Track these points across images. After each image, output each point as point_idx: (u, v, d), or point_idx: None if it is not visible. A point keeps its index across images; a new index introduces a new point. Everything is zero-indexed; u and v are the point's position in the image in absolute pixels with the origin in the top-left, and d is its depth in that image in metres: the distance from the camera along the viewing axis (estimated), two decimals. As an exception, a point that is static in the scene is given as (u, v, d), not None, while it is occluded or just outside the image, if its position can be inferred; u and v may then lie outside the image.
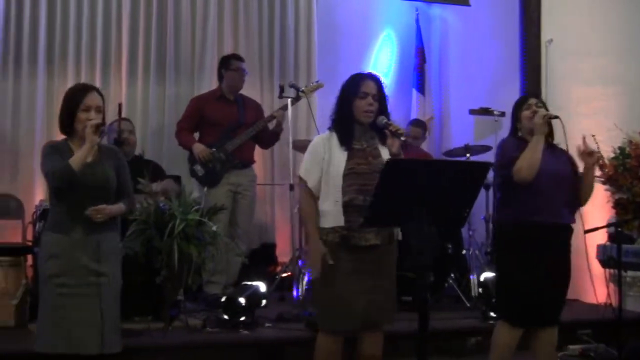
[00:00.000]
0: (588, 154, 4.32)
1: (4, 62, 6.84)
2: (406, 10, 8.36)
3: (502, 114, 6.71)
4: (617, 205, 6.53)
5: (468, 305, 6.21)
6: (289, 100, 6.28)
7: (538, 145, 4.23)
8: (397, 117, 7.88)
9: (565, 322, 4.61)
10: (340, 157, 4.01)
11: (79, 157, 3.79)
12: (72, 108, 3.88)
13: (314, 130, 6.59)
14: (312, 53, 7.82)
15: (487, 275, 6.09)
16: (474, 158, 6.84)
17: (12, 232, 6.37)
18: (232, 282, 6.27)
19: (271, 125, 6.45)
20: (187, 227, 5.03)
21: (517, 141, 4.41)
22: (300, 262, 6.25)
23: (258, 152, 6.75)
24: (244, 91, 6.63)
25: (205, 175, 6.23)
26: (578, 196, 4.40)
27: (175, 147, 6.62)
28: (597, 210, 6.38)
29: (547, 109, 4.41)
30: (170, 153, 7.01)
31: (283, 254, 7.30)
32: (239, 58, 6.57)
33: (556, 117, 4.33)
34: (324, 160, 4.04)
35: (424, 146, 7.58)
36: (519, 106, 4.49)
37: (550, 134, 4.41)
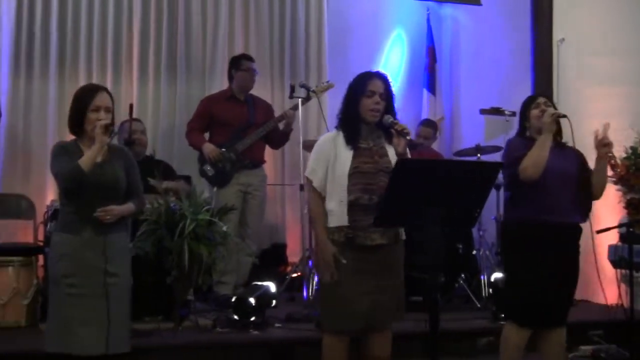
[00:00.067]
0: (604, 145, 4.28)
1: (15, 63, 6.87)
2: (417, 10, 8.34)
3: (513, 114, 6.68)
4: (629, 205, 6.50)
5: (478, 305, 6.20)
6: (300, 100, 6.29)
7: (545, 143, 4.22)
8: (408, 117, 7.96)
9: (576, 323, 4.60)
10: (346, 156, 4.00)
11: (89, 157, 3.80)
12: (82, 108, 3.88)
13: (324, 131, 6.57)
14: (322, 53, 7.82)
15: (498, 275, 6.07)
16: (484, 158, 6.82)
17: (23, 232, 6.41)
18: (242, 282, 6.27)
19: (281, 126, 6.45)
20: (197, 227, 5.04)
21: (524, 140, 4.39)
22: (310, 263, 6.24)
23: (268, 152, 6.75)
24: (255, 91, 6.63)
25: (215, 175, 6.24)
26: (590, 192, 4.36)
27: (186, 148, 6.62)
28: (609, 211, 6.36)
29: (555, 109, 4.39)
30: (181, 153, 7.02)
31: (293, 254, 7.30)
32: (249, 58, 6.57)
33: (564, 116, 4.31)
34: (330, 160, 4.04)
35: (435, 146, 7.57)
36: (527, 105, 4.47)
37: (558, 133, 4.40)
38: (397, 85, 8.20)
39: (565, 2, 6.89)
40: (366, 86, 4.05)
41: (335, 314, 3.98)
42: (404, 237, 4.11)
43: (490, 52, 7.81)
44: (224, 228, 5.23)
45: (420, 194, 3.48)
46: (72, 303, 3.81)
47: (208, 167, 6.25)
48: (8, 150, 6.80)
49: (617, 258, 5.81)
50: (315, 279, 6.04)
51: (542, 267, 4.23)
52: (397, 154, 4.01)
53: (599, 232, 5.11)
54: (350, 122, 4.07)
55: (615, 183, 6.48)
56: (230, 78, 6.50)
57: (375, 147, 4.06)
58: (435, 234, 3.50)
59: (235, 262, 6.08)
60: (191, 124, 6.47)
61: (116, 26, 7.14)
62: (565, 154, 4.38)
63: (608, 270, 6.05)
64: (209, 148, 6.24)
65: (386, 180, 3.93)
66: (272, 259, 7.21)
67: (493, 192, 6.38)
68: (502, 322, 5.14)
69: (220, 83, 7.12)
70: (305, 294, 6.14)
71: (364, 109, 4.04)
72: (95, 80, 6.83)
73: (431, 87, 8.24)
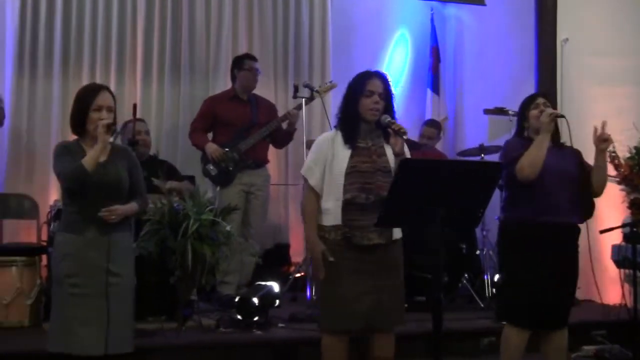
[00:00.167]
0: (603, 140, 4.27)
1: (19, 63, 6.87)
2: (421, 10, 8.34)
3: (517, 114, 6.68)
4: (633, 205, 6.49)
5: (482, 305, 6.19)
6: (303, 100, 6.29)
7: (543, 143, 4.21)
8: (412, 117, 7.96)
9: (579, 323, 4.59)
10: (343, 155, 4.01)
11: (92, 157, 3.80)
12: (84, 108, 3.89)
13: (328, 130, 6.57)
14: (326, 53, 7.82)
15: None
16: (488, 158, 6.81)
17: (26, 232, 6.42)
18: (245, 282, 6.27)
19: (284, 125, 6.45)
20: (201, 227, 5.04)
21: (522, 140, 4.39)
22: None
23: (272, 152, 6.75)
24: (258, 91, 6.63)
25: (218, 175, 6.24)
26: (591, 191, 4.35)
27: (189, 148, 6.62)
28: (612, 211, 6.35)
29: (554, 109, 4.38)
30: (184, 153, 7.02)
31: (297, 254, 7.30)
32: (251, 58, 6.57)
33: (562, 116, 4.32)
34: (327, 159, 4.04)
35: (439, 146, 7.57)
36: (526, 105, 4.47)
37: (556, 133, 4.39)
38: (400, 85, 8.24)
39: (570, 2, 6.87)
40: (365, 86, 4.06)
41: (334, 313, 3.99)
42: (399, 236, 4.10)
43: (494, 52, 7.81)
44: (228, 228, 5.23)
45: (423, 194, 3.47)
46: (74, 303, 3.81)
47: (211, 167, 6.26)
48: (12, 150, 6.81)
49: (621, 258, 5.80)
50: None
51: (540, 267, 4.22)
52: (394, 153, 4.02)
53: (602, 232, 5.11)
54: (349, 122, 4.08)
55: (619, 183, 6.47)
56: (233, 78, 6.50)
57: (374, 146, 4.06)
58: (439, 234, 3.50)
59: (238, 262, 6.08)
60: (194, 124, 6.48)
61: (120, 26, 7.15)
62: (563, 153, 4.38)
63: (611, 270, 6.04)
64: (211, 148, 6.24)
65: (383, 179, 3.95)
66: (275, 259, 7.21)
67: (497, 192, 6.34)
68: (504, 323, 5.13)
69: (224, 83, 7.13)
70: (308, 293, 6.14)
71: (363, 108, 4.04)
72: (99, 80, 6.82)
73: (435, 87, 8.24)
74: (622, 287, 5.35)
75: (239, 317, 5.38)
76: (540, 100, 4.45)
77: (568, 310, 4.39)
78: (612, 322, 5.61)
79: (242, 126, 6.31)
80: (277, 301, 5.74)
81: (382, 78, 4.11)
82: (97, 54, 7.08)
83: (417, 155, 6.40)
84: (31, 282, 5.38)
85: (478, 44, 8.20)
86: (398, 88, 8.13)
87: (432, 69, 8.26)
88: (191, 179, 6.31)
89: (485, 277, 6.40)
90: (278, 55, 7.65)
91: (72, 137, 4.04)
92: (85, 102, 3.90)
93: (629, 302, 5.10)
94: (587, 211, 4.39)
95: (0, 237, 6.28)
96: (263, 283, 5.78)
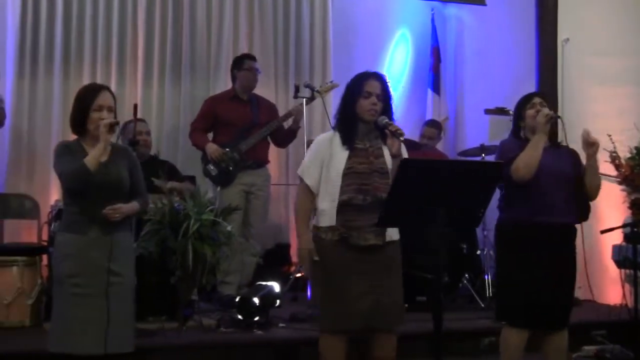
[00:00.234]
0: (589, 144, 4.26)
1: (20, 63, 6.87)
2: (421, 10, 8.34)
3: (518, 114, 6.68)
4: (633, 205, 6.48)
5: (482, 305, 6.19)
6: (304, 100, 6.29)
7: (538, 144, 4.21)
8: (413, 117, 7.96)
9: (580, 323, 4.58)
10: (341, 156, 4.01)
11: (94, 156, 3.81)
12: (84, 108, 3.89)
13: (329, 130, 6.59)
14: (327, 53, 7.82)
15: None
16: (489, 158, 6.80)
17: (27, 232, 6.42)
18: (246, 282, 6.27)
19: (286, 124, 6.45)
20: (201, 227, 5.05)
21: (518, 141, 4.38)
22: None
23: (273, 152, 6.75)
24: (259, 91, 6.64)
25: (218, 175, 6.24)
26: (586, 192, 4.35)
27: (190, 148, 6.62)
28: (613, 211, 6.36)
29: (551, 109, 4.37)
30: (185, 153, 7.02)
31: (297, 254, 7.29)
32: (251, 57, 6.58)
33: (558, 117, 4.32)
34: (325, 160, 4.05)
35: (439, 146, 7.57)
36: (522, 105, 4.45)
37: (553, 133, 4.38)
38: (401, 85, 8.24)
39: (570, 1, 6.87)
40: (363, 87, 4.06)
41: (332, 313, 3.99)
42: (396, 237, 4.10)
43: (495, 52, 7.81)
44: (228, 228, 5.23)
45: (423, 194, 3.47)
46: (76, 303, 3.81)
47: (211, 167, 6.26)
48: (13, 151, 6.81)
49: (622, 258, 5.80)
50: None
51: (535, 267, 4.21)
52: (391, 155, 4.01)
53: (603, 232, 5.11)
54: (347, 123, 4.08)
55: (620, 183, 6.47)
56: (233, 78, 6.50)
57: (372, 147, 4.06)
58: (439, 234, 3.50)
59: (239, 262, 6.09)
60: (195, 124, 6.48)
61: (121, 26, 7.15)
62: (560, 153, 4.37)
63: (612, 270, 6.04)
64: (211, 148, 6.24)
65: (380, 180, 3.96)
66: (276, 259, 7.21)
67: (497, 192, 6.38)
68: (504, 323, 5.13)
69: (224, 83, 7.13)
70: (309, 294, 6.13)
71: (360, 109, 4.04)
72: (99, 80, 6.84)
73: (435, 87, 8.24)
74: (623, 287, 5.34)
75: (239, 317, 5.38)
76: (537, 99, 4.43)
77: (567, 311, 4.37)
78: (612, 322, 5.61)
79: (242, 126, 6.31)
80: (278, 301, 5.74)
81: (380, 79, 4.10)
82: (97, 54, 7.08)
83: (418, 156, 6.41)
84: (32, 282, 5.38)
85: (479, 44, 8.20)
86: (399, 88, 8.14)
87: (433, 69, 8.26)
88: (192, 179, 6.31)
89: (486, 277, 6.40)
90: (279, 55, 7.65)
91: (73, 137, 4.05)
92: (85, 102, 3.90)
93: (630, 302, 5.10)
94: (583, 213, 4.37)
95: (1, 237, 6.28)
96: (264, 283, 5.78)
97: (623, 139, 6.34)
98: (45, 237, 5.84)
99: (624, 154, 6.41)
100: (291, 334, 5.26)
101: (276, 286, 5.80)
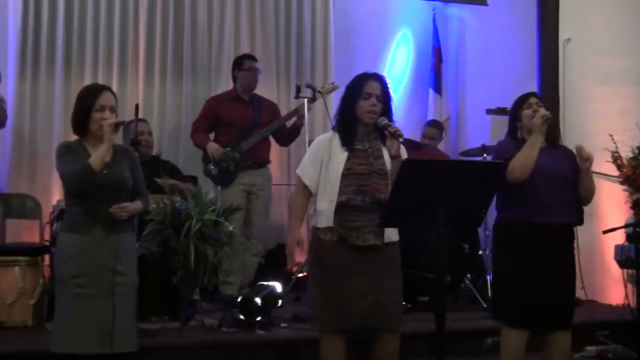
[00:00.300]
0: (583, 159, 4.24)
1: (22, 64, 6.88)
2: (423, 10, 8.33)
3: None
4: (635, 205, 6.47)
5: (484, 305, 6.17)
6: (305, 100, 6.30)
7: (534, 145, 4.20)
8: (414, 117, 7.96)
9: (582, 323, 4.57)
10: (340, 157, 4.02)
11: (99, 156, 3.81)
12: (86, 108, 3.90)
13: (330, 131, 6.59)
14: (328, 53, 7.82)
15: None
16: (490, 158, 6.80)
17: (29, 232, 6.43)
18: (248, 282, 6.27)
19: (289, 123, 6.45)
20: (203, 227, 5.05)
21: (514, 141, 4.37)
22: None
23: (274, 152, 6.75)
24: (261, 91, 6.64)
25: (219, 175, 6.25)
26: (580, 196, 4.34)
27: (191, 148, 6.63)
28: (615, 211, 6.35)
29: (547, 109, 4.36)
30: (187, 154, 7.03)
31: (299, 254, 7.28)
32: (251, 58, 6.58)
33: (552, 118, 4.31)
34: (323, 161, 4.05)
35: (441, 146, 7.56)
36: (519, 105, 4.43)
37: (550, 134, 4.38)
38: (403, 85, 8.24)
39: (572, 1, 6.86)
40: (363, 88, 4.05)
41: (331, 314, 3.99)
42: (396, 238, 4.09)
43: (497, 52, 7.80)
44: (230, 228, 5.23)
45: (425, 194, 3.47)
46: (79, 303, 3.81)
47: (212, 167, 6.26)
48: (14, 151, 6.82)
49: (624, 258, 5.79)
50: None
51: (533, 267, 4.20)
52: (390, 156, 4.01)
53: (605, 232, 5.11)
54: (347, 124, 4.08)
55: (622, 183, 6.46)
56: (234, 79, 6.51)
57: (371, 148, 4.06)
58: (441, 234, 3.49)
59: (241, 262, 6.08)
60: (196, 124, 6.49)
61: (122, 27, 7.16)
62: (557, 153, 4.36)
63: (614, 271, 6.04)
64: (212, 147, 6.25)
65: (379, 182, 3.96)
66: (277, 259, 7.19)
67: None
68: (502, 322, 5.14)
69: (226, 84, 7.13)
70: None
71: (360, 110, 4.04)
72: (101, 80, 6.84)
73: (437, 87, 8.23)
74: (625, 287, 5.34)
75: (241, 317, 5.38)
76: (533, 99, 4.42)
77: (568, 311, 4.34)
78: (615, 322, 5.60)
79: (244, 126, 6.31)
80: (280, 301, 5.73)
81: (380, 80, 4.10)
82: (99, 55, 7.08)
83: (419, 156, 6.40)
84: (34, 282, 5.38)
85: (480, 44, 8.20)
86: (400, 88, 8.14)
87: (434, 69, 8.25)
88: (193, 179, 6.32)
89: (488, 277, 6.38)
90: (280, 56, 7.65)
91: (74, 138, 4.05)
92: (87, 102, 3.90)
93: (632, 303, 5.10)
94: (579, 217, 4.37)
95: (3, 237, 6.28)
96: (265, 283, 5.77)
97: (625, 139, 6.33)
98: (47, 237, 5.84)
99: (625, 154, 6.40)
100: (293, 334, 5.26)
101: (278, 286, 5.79)
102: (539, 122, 4.22)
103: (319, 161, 4.07)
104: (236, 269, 6.07)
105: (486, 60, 7.99)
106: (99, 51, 7.08)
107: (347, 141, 4.05)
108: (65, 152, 3.92)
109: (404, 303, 4.50)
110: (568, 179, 4.29)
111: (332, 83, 6.55)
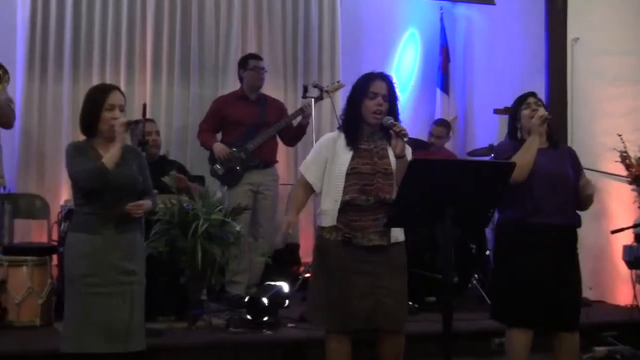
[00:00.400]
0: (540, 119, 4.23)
1: (30, 65, 6.89)
2: (430, 9, 8.32)
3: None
4: (644, 205, 6.46)
5: (492, 306, 6.16)
6: (312, 99, 6.30)
7: (532, 146, 4.20)
8: (422, 116, 7.95)
9: (590, 324, 4.55)
10: (344, 157, 4.02)
11: (112, 156, 3.83)
12: (96, 108, 3.90)
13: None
14: (335, 52, 7.82)
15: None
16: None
17: (38, 232, 6.46)
18: (255, 282, 6.27)
19: (295, 123, 6.45)
20: (210, 227, 5.06)
21: (513, 142, 4.36)
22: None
23: (281, 152, 6.76)
24: (268, 91, 6.65)
25: (225, 175, 6.25)
26: (578, 200, 4.33)
27: (199, 148, 6.64)
28: (624, 211, 6.33)
29: (549, 109, 4.35)
30: (194, 154, 7.04)
31: (306, 254, 7.29)
32: (256, 57, 6.59)
33: (550, 118, 4.30)
34: (327, 161, 4.06)
35: (448, 146, 7.56)
36: (517, 105, 4.43)
37: (551, 134, 4.36)
38: (410, 84, 8.23)
39: (580, 1, 6.85)
40: (369, 88, 4.05)
41: (335, 313, 3.99)
42: (402, 239, 4.09)
43: (504, 52, 7.79)
44: (237, 228, 5.24)
45: (432, 193, 3.46)
46: (90, 302, 3.82)
47: (218, 167, 6.27)
48: (23, 151, 6.84)
49: (632, 258, 5.78)
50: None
51: (532, 268, 4.18)
52: (395, 155, 4.00)
53: (614, 232, 5.10)
54: (352, 123, 4.08)
55: (630, 183, 6.43)
56: (240, 79, 6.52)
57: (376, 148, 4.06)
58: (448, 234, 3.49)
59: (248, 262, 6.09)
60: (203, 124, 6.50)
61: (130, 27, 7.16)
62: (558, 154, 4.35)
63: (623, 271, 6.02)
64: (218, 147, 6.26)
65: (383, 181, 3.96)
66: (285, 259, 7.21)
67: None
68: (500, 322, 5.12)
69: (233, 83, 7.13)
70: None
71: (366, 110, 4.04)
72: (108, 81, 6.83)
73: (445, 87, 8.21)
74: (634, 287, 5.32)
75: (248, 317, 5.38)
76: (532, 99, 4.40)
77: (573, 312, 4.32)
78: (623, 323, 5.58)
79: (251, 126, 6.31)
80: (287, 301, 5.73)
81: (387, 80, 4.10)
82: (106, 55, 7.10)
83: (427, 155, 6.39)
84: (42, 282, 5.39)
85: (488, 43, 8.18)
86: (408, 88, 8.13)
87: (442, 68, 8.24)
88: (201, 179, 6.33)
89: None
90: (287, 55, 7.65)
91: (82, 138, 4.05)
92: (96, 102, 3.91)
93: (641, 303, 5.09)
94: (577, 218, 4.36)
95: (11, 236, 6.29)
96: (273, 283, 5.77)
97: (633, 139, 6.31)
98: (55, 237, 5.86)
99: (634, 153, 6.37)
100: (300, 334, 5.25)
101: (285, 286, 5.79)
102: (537, 122, 4.21)
103: (322, 160, 4.08)
104: (243, 268, 6.08)
105: (494, 59, 7.97)
106: (106, 51, 7.09)
107: (352, 141, 4.05)
108: (76, 152, 3.92)
109: (410, 303, 4.49)
110: (568, 180, 4.28)
111: (338, 82, 6.55)
